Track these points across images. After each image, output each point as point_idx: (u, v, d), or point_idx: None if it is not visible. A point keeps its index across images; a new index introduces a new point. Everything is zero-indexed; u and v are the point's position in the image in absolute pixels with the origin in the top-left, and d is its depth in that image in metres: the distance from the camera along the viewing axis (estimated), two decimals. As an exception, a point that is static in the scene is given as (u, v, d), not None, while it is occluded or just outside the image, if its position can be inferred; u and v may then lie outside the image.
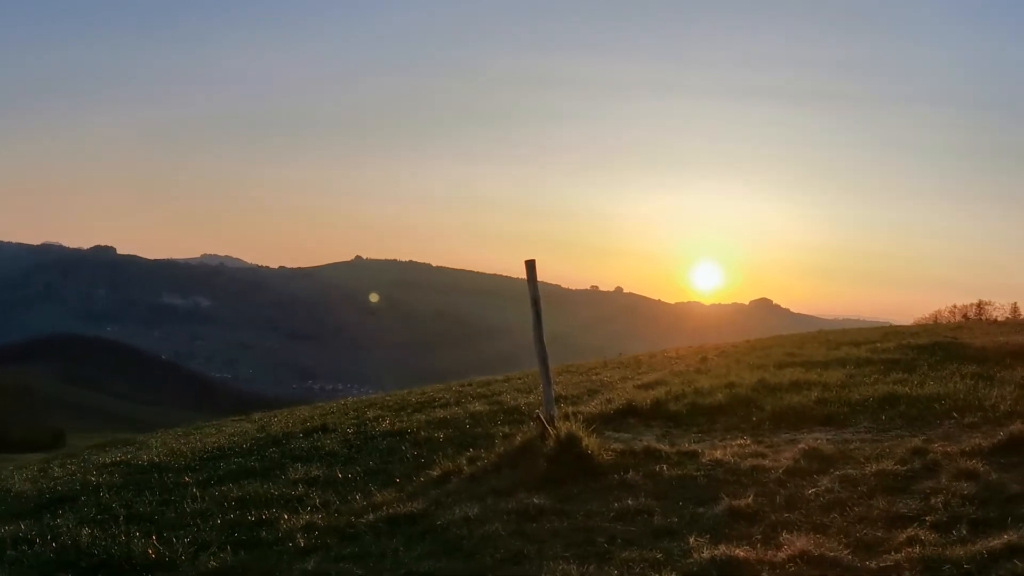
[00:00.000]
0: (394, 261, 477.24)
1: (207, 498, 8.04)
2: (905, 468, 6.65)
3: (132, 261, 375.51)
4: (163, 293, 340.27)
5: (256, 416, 19.33)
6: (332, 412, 16.45)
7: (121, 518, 7.42)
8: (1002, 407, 9.07)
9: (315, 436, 11.80)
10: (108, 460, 11.54)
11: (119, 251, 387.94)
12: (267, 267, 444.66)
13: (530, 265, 9.02)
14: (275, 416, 18.15)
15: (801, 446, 7.76)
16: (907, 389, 10.90)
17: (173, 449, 12.60)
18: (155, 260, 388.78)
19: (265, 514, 7.11)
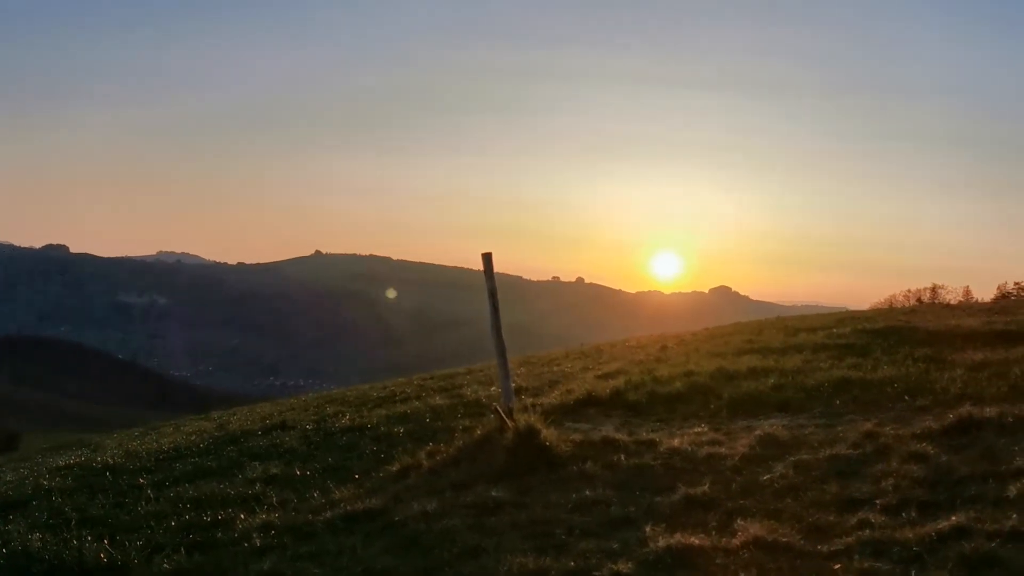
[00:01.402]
0: (354, 255, 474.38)
1: (162, 499, 7.92)
2: (857, 452, 6.74)
3: (86, 260, 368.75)
4: (119, 292, 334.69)
5: (215, 414, 19.13)
6: (292, 409, 16.31)
7: (73, 522, 7.27)
8: (952, 390, 9.24)
9: (274, 434, 11.69)
10: (62, 463, 11.33)
11: (72, 250, 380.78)
12: (225, 263, 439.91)
13: (487, 258, 9.01)
14: (235, 414, 17.98)
15: (757, 433, 7.85)
16: (861, 373, 11.06)
17: (129, 450, 12.40)
18: (110, 258, 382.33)
19: (221, 514, 7.02)
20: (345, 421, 11.92)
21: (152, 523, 6.98)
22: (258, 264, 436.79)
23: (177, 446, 11.69)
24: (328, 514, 6.67)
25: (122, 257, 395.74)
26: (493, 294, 8.91)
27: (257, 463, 9.34)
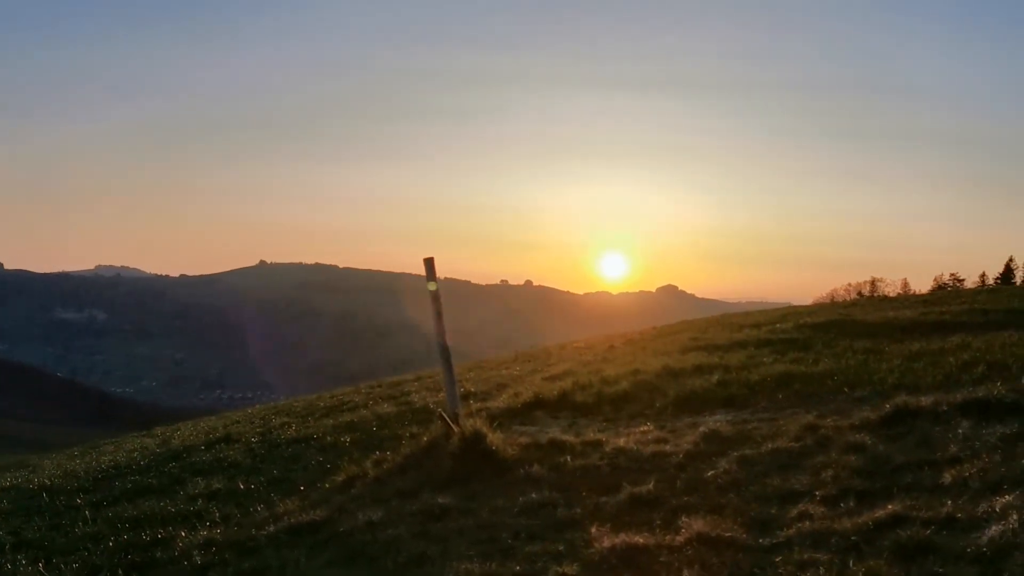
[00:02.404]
0: (300, 264, 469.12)
1: (99, 520, 7.73)
2: (799, 445, 6.83)
3: (21, 276, 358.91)
4: (56, 308, 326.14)
5: (158, 431, 18.75)
6: (237, 422, 16.06)
7: (7, 546, 7.08)
8: (890, 380, 9.44)
9: (218, 447, 11.49)
10: (-3, 486, 10.99)
11: (7, 266, 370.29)
12: (167, 276, 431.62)
13: (428, 263, 8.94)
14: (178, 429, 17.64)
15: (702, 429, 7.92)
16: (803, 367, 11.24)
17: (67, 470, 12.09)
18: (46, 273, 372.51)
19: (161, 533, 6.86)
20: (291, 432, 11.77)
21: (89, 545, 6.80)
22: (201, 276, 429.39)
23: (117, 464, 11.43)
24: (272, 528, 6.56)
25: (58, 272, 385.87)
26: (436, 299, 8.84)
27: (200, 478, 9.17)
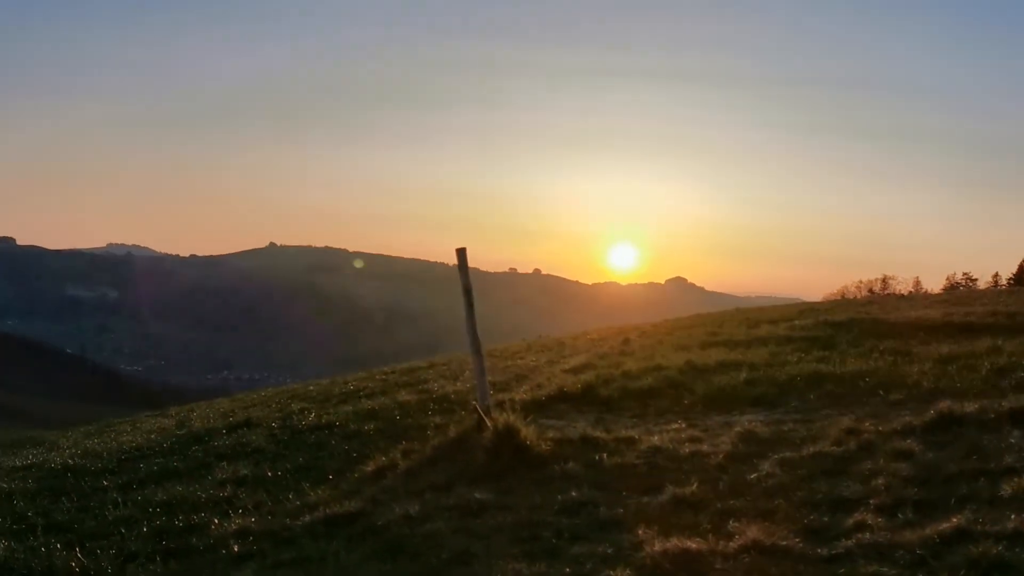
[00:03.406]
0: (309, 247, 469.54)
1: (130, 503, 7.65)
2: (841, 449, 6.71)
3: (34, 252, 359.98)
4: (68, 285, 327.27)
5: (173, 411, 18.72)
6: (254, 405, 16.00)
7: (39, 528, 6.98)
8: (925, 383, 9.29)
9: (239, 432, 11.41)
10: (19, 463, 10.94)
11: (19, 242, 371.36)
12: (177, 256, 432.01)
13: (461, 253, 8.83)
14: (194, 411, 17.59)
15: (737, 429, 7.80)
16: (831, 367, 11.10)
17: (87, 449, 12.03)
18: (59, 251, 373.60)
19: (194, 519, 6.79)
20: (312, 418, 11.68)
21: (122, 529, 6.71)
22: (210, 256, 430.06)
23: (138, 446, 11.36)
24: (306, 518, 6.47)
25: (71, 250, 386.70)
26: (468, 291, 8.74)
27: (225, 463, 9.09)
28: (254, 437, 10.74)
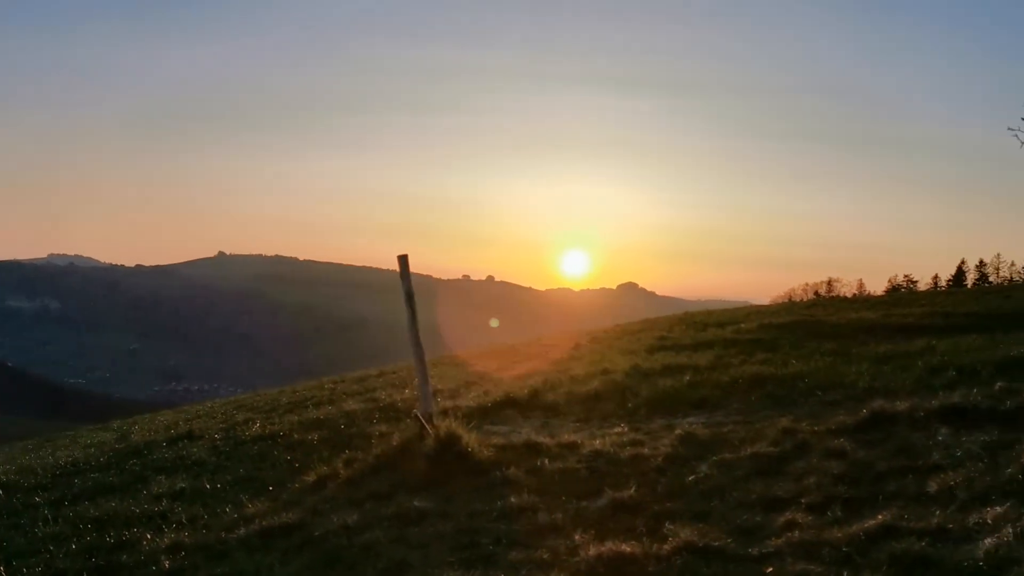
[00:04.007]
0: (259, 256, 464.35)
1: (61, 520, 7.47)
2: (778, 449, 6.78)
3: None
4: (7, 296, 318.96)
5: (115, 424, 18.36)
6: (199, 417, 15.77)
7: (-35, 547, 6.76)
8: (861, 383, 9.45)
9: (180, 444, 11.23)
10: (-52, 481, 10.59)
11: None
12: (122, 266, 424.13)
13: (403, 260, 8.77)
14: (136, 424, 17.28)
15: (678, 432, 7.85)
16: (773, 369, 11.24)
17: (22, 465, 11.75)
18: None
19: (126, 534, 6.64)
20: (256, 429, 11.53)
21: (51, 546, 6.56)
22: (157, 266, 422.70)
23: (75, 460, 11.12)
24: (242, 531, 6.36)
25: (9, 260, 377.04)
26: (410, 297, 8.69)
27: (163, 477, 8.93)
28: (195, 449, 10.57)
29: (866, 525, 4.65)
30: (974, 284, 72.96)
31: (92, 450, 12.19)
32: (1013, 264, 76.80)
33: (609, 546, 4.86)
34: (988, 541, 4.12)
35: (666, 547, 4.82)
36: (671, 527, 5.17)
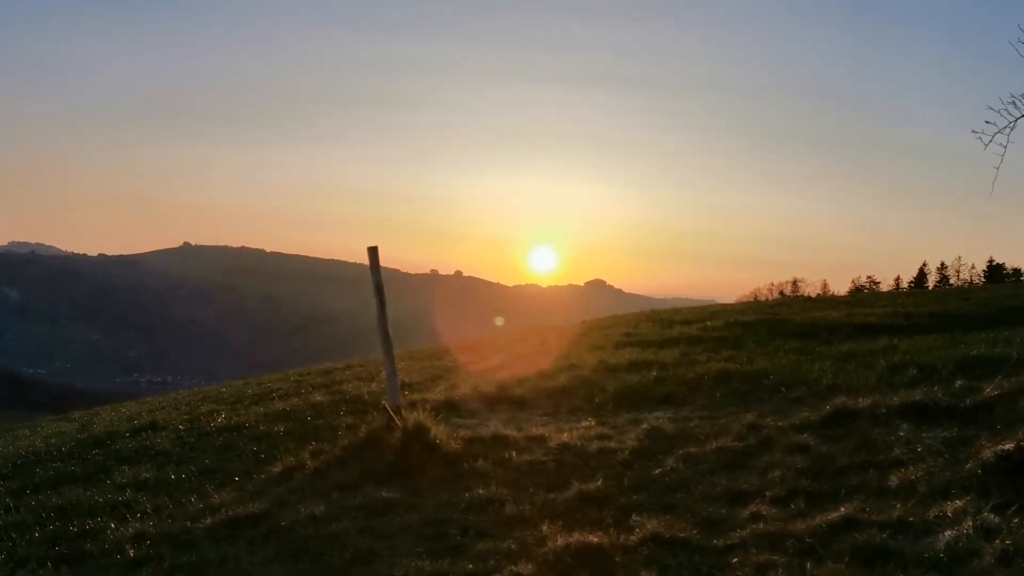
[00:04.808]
0: (225, 248, 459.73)
1: (23, 508, 7.35)
2: (742, 444, 6.90)
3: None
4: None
5: (76, 415, 18.09)
6: (162, 408, 15.58)
7: (-75, 535, 6.64)
8: (824, 381, 9.62)
9: (143, 435, 11.09)
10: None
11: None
12: (85, 255, 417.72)
13: (372, 252, 8.76)
14: (98, 414, 17.05)
15: (644, 426, 7.94)
16: (738, 365, 11.39)
17: (-19, 455, 11.53)
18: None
19: (89, 524, 6.56)
20: (221, 420, 11.43)
21: (13, 535, 6.45)
22: (122, 256, 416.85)
23: (36, 450, 10.94)
24: (208, 520, 6.32)
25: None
26: (380, 289, 8.68)
27: (126, 467, 8.83)
28: (159, 440, 10.46)
29: (829, 517, 4.75)
30: (935, 286, 74.32)
31: (53, 440, 12.00)
32: (973, 267, 78.40)
33: (576, 537, 4.91)
34: (948, 534, 4.23)
35: (633, 538, 4.89)
36: (638, 519, 5.25)
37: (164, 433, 10.99)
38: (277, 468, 7.79)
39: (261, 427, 10.37)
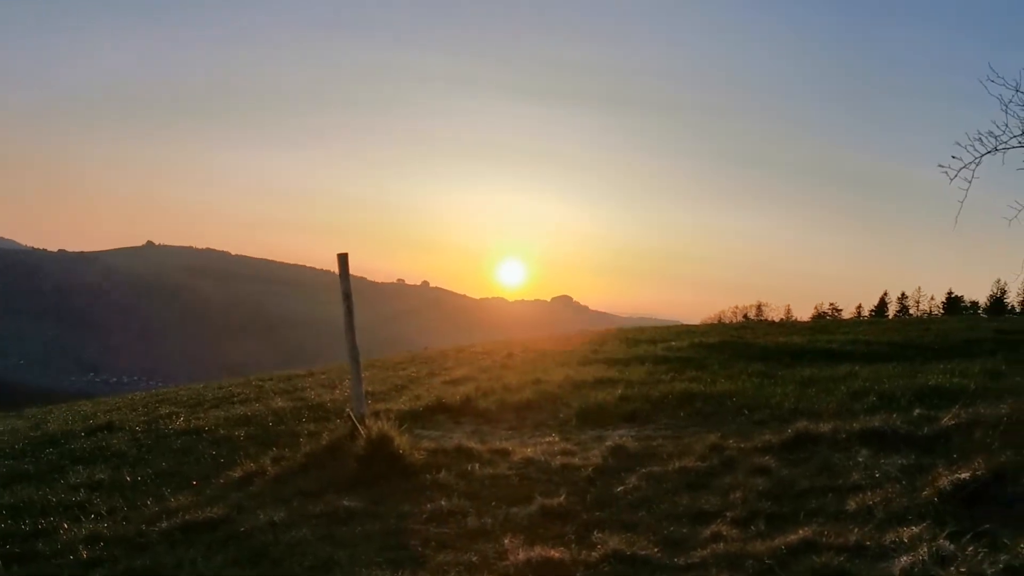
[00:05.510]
0: (189, 248, 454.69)
1: (-28, 507, 7.18)
2: (705, 464, 6.95)
3: None
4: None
5: (30, 412, 17.73)
6: (119, 408, 15.34)
7: None
8: (786, 404, 9.74)
9: (99, 435, 10.92)
10: None
11: None
12: (44, 250, 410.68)
13: (343, 259, 8.73)
14: (52, 412, 16.73)
15: (608, 444, 7.97)
16: (702, 387, 11.49)
17: (-70, 451, 11.26)
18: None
19: (42, 523, 6.44)
20: (179, 423, 11.29)
21: (-38, 533, 6.30)
22: (82, 252, 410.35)
23: (-13, 447, 10.71)
24: (164, 524, 6.22)
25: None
26: (348, 296, 8.64)
27: (81, 467, 8.69)
28: (115, 441, 10.30)
29: (788, 539, 4.80)
30: (895, 315, 75.61)
31: (6, 437, 11.77)
32: (933, 298, 79.90)
33: (538, 551, 4.91)
34: (904, 559, 4.29)
35: (594, 554, 4.89)
36: (600, 535, 5.26)
37: (120, 434, 10.83)
38: (237, 473, 7.71)
39: (221, 431, 10.26)
